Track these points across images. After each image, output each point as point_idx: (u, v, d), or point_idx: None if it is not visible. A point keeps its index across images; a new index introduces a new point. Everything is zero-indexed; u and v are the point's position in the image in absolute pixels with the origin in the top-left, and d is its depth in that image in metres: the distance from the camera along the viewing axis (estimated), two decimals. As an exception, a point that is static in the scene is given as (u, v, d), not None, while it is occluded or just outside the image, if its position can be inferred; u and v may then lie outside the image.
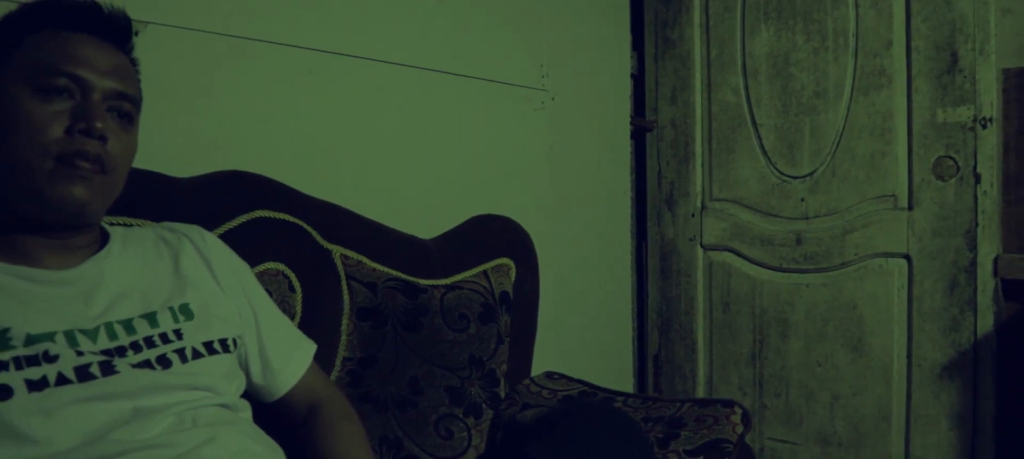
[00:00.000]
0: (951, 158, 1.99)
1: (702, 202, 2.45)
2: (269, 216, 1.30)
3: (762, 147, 2.30)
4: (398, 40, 1.68)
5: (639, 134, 2.56)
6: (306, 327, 1.25)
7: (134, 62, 1.01)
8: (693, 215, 2.46)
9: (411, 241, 1.52)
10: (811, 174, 2.22)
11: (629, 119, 2.40)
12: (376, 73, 1.64)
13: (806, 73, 2.21)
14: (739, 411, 1.37)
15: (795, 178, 2.25)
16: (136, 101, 0.98)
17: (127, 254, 1.01)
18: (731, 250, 2.38)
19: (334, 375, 1.33)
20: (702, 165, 2.45)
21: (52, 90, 0.89)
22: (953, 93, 1.98)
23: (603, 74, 2.28)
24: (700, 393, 2.47)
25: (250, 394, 1.10)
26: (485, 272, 1.56)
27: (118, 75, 0.95)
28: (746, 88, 2.33)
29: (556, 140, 2.07)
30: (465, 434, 1.41)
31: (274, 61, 1.48)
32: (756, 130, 2.31)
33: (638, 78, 2.56)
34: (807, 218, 2.24)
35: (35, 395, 0.82)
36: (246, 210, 1.29)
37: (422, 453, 1.36)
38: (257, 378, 1.10)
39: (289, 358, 1.14)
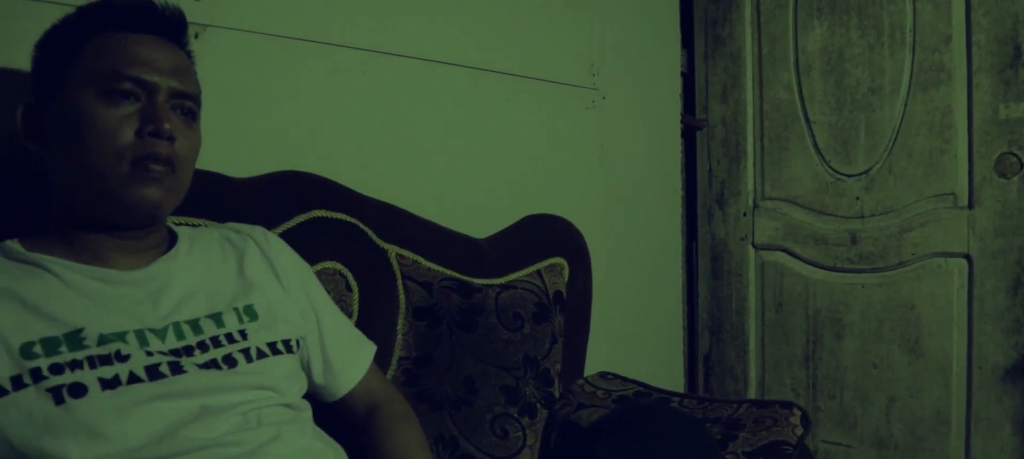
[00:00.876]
0: (1014, 155, 1.94)
1: (754, 201, 2.42)
2: (326, 216, 1.32)
3: (815, 145, 2.27)
4: (451, 40, 1.69)
5: (689, 133, 2.54)
6: (362, 326, 1.25)
7: (190, 56, 1.03)
8: (744, 214, 2.43)
9: (465, 240, 1.53)
10: (866, 172, 2.18)
11: (679, 118, 2.38)
12: (429, 73, 1.65)
13: (861, 69, 2.17)
14: (798, 413, 1.35)
15: (850, 176, 2.21)
16: (197, 98, 1.00)
17: (194, 255, 1.03)
18: (784, 249, 2.35)
19: (390, 374, 1.34)
20: (753, 164, 2.42)
21: (118, 94, 0.91)
22: (1016, 88, 1.92)
23: (653, 73, 2.27)
24: (751, 394, 2.44)
25: (311, 394, 1.11)
26: (539, 271, 1.56)
27: (179, 74, 0.96)
28: (799, 85, 2.29)
29: (607, 139, 2.06)
30: (520, 434, 1.41)
31: (329, 62, 1.49)
32: (809, 127, 2.28)
33: (688, 76, 2.54)
34: (862, 217, 2.19)
35: (108, 393, 0.84)
36: (304, 210, 1.31)
37: (478, 452, 1.36)
38: (319, 378, 1.12)
39: (350, 359, 1.15)
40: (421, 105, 1.64)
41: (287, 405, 0.99)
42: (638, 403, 1.45)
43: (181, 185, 0.98)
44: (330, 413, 1.13)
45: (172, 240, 1.04)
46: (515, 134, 1.82)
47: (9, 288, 0.88)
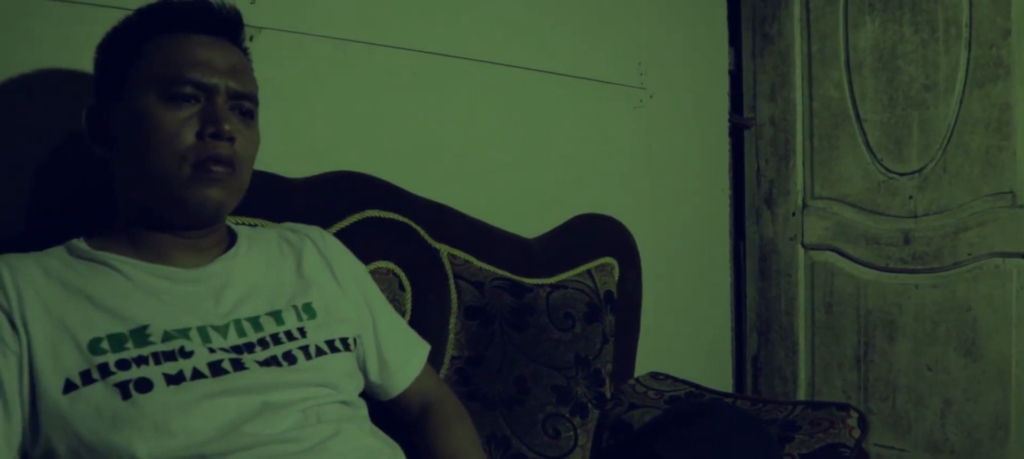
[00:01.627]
0: (1076, 152, 1.88)
1: (803, 200, 2.39)
2: (379, 216, 1.33)
3: (867, 143, 2.23)
4: (499, 40, 1.70)
5: (736, 132, 2.51)
6: (415, 325, 1.26)
7: (247, 55, 1.05)
8: (793, 214, 2.40)
9: (515, 240, 1.53)
10: (920, 171, 2.13)
11: (727, 117, 2.36)
12: (478, 73, 1.66)
13: (914, 66, 2.12)
14: (855, 415, 1.33)
15: (902, 175, 2.17)
16: (255, 97, 1.01)
17: (253, 254, 1.05)
18: (834, 249, 2.32)
19: (443, 373, 1.34)
20: (803, 163, 2.39)
21: (179, 97, 0.93)
22: (1078, 84, 1.87)
23: (700, 71, 2.25)
24: (800, 396, 2.41)
25: (365, 393, 1.12)
26: (589, 271, 1.56)
27: (237, 74, 0.98)
28: (849, 83, 2.26)
29: (654, 138, 2.05)
30: (571, 434, 1.41)
31: (380, 63, 1.50)
32: (860, 126, 2.24)
33: (735, 75, 2.51)
34: (916, 216, 2.15)
35: (172, 389, 0.85)
36: (357, 210, 1.32)
37: (530, 452, 1.36)
38: (374, 377, 1.13)
39: (405, 358, 1.16)
40: (471, 105, 1.65)
41: (345, 402, 1.00)
42: (697, 402, 1.44)
43: (241, 185, 1.00)
44: (383, 413, 1.14)
45: (232, 239, 1.06)
46: (564, 134, 1.82)
47: (77, 286, 0.90)
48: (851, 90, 2.25)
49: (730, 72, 2.43)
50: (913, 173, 2.15)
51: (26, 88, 1.14)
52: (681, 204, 2.17)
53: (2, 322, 0.84)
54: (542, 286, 1.49)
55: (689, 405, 1.37)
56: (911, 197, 2.15)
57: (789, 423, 1.33)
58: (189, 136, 0.93)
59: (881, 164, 2.21)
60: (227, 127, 0.93)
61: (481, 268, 1.44)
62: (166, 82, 0.93)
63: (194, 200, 0.94)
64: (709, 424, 0.95)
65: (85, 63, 1.12)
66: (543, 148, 1.78)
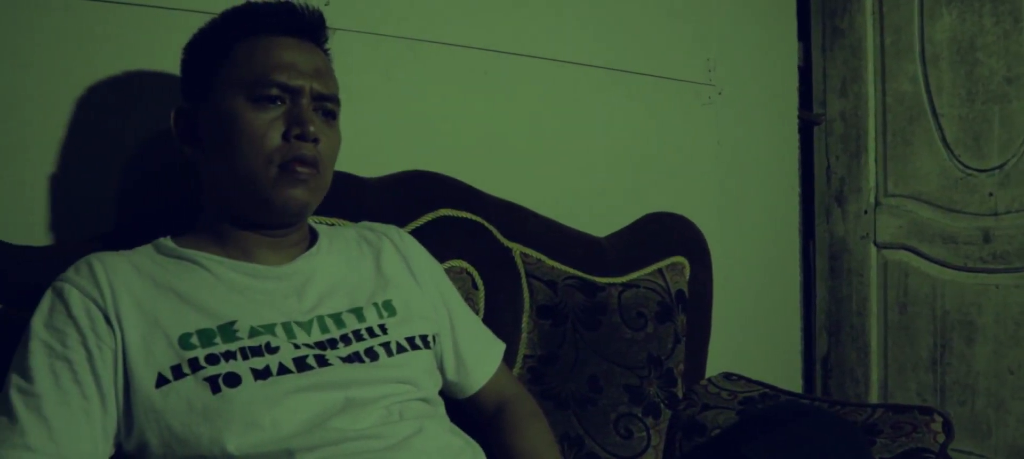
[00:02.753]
0: None
1: (875, 198, 2.33)
2: (453, 215, 1.34)
3: (943, 139, 2.16)
4: (569, 38, 1.69)
5: (805, 128, 2.46)
6: (488, 324, 1.26)
7: (329, 55, 1.07)
8: (865, 212, 2.34)
9: (586, 239, 1.52)
10: (1001, 167, 2.06)
11: (796, 113, 2.31)
12: (548, 71, 1.65)
13: (995, 58, 2.05)
14: (940, 419, 1.29)
15: (982, 171, 2.10)
16: (337, 98, 1.03)
17: (334, 252, 1.06)
18: (908, 248, 2.25)
19: (516, 372, 1.34)
20: (875, 159, 2.33)
21: (266, 99, 0.95)
22: None
23: (769, 67, 2.21)
24: (873, 398, 2.35)
25: (440, 392, 1.13)
26: (660, 270, 1.54)
27: (320, 76, 0.99)
28: (925, 77, 2.19)
29: (723, 136, 2.02)
30: (644, 434, 1.40)
31: (451, 62, 1.51)
32: (937, 121, 2.17)
33: (804, 70, 2.46)
34: (996, 214, 2.08)
35: (260, 383, 0.87)
36: (431, 209, 1.33)
37: (603, 451, 1.35)
38: (451, 375, 1.13)
39: (482, 356, 1.16)
40: (541, 103, 1.65)
41: (425, 400, 1.01)
42: (783, 404, 1.41)
43: (324, 186, 1.01)
44: (456, 412, 1.15)
45: (313, 237, 1.08)
46: (633, 131, 1.81)
47: (167, 282, 0.92)
48: (927, 84, 2.19)
49: (799, 67, 2.39)
50: (994, 169, 2.08)
51: (114, 90, 1.18)
52: (750, 202, 2.13)
53: (98, 318, 0.87)
54: (614, 285, 1.48)
55: (778, 406, 1.34)
56: (991, 194, 2.08)
57: (870, 426, 1.30)
58: (275, 137, 0.95)
59: (958, 160, 2.14)
60: (312, 128, 0.95)
61: (553, 267, 1.44)
62: (253, 84, 0.95)
63: (280, 200, 0.96)
64: (801, 428, 0.92)
65: (168, 65, 1.15)
66: (612, 146, 1.77)
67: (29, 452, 0.78)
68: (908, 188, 2.25)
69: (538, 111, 1.65)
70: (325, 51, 1.06)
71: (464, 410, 1.17)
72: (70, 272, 0.90)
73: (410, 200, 1.32)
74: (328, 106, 1.01)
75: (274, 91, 0.95)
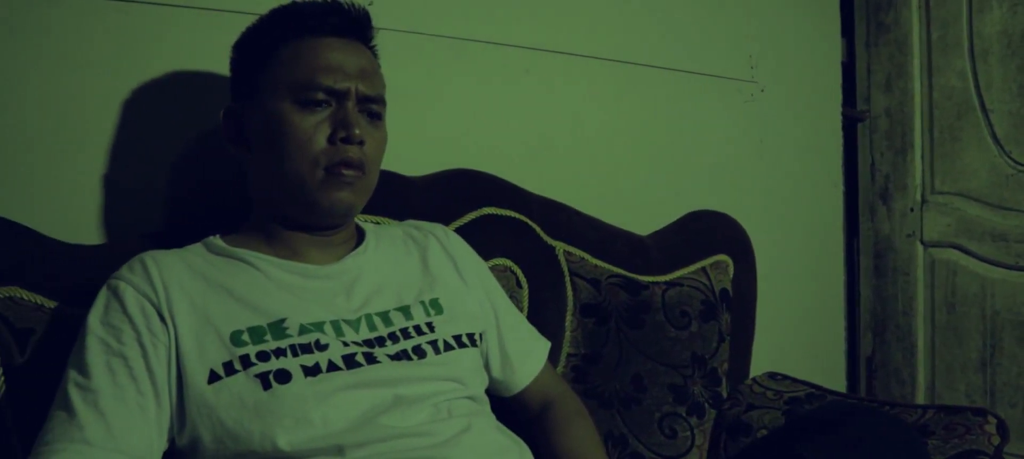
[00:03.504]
0: None
1: (922, 195, 2.29)
2: (496, 213, 1.34)
3: (993, 135, 2.11)
4: (610, 36, 1.68)
5: (849, 125, 2.42)
6: (532, 322, 1.26)
7: (375, 53, 1.07)
8: (912, 210, 2.30)
9: (629, 237, 1.52)
10: (1053, 163, 2.01)
11: (840, 109, 2.28)
12: (590, 69, 1.65)
13: (1047, 52, 2.00)
14: (994, 421, 1.26)
15: (1033, 168, 2.05)
16: (383, 99, 1.03)
17: (381, 251, 1.07)
18: (956, 246, 2.21)
19: (559, 371, 1.34)
20: (921, 156, 2.28)
21: (311, 102, 0.95)
22: None
23: (812, 63, 2.18)
24: (920, 399, 2.30)
25: (486, 390, 1.12)
26: (704, 269, 1.53)
27: (366, 77, 1.00)
28: (974, 72, 2.14)
29: (766, 133, 2.00)
30: (688, 433, 1.39)
31: (494, 60, 1.51)
32: (986, 116, 2.13)
33: (847, 66, 2.42)
34: (1048, 212, 2.03)
35: (310, 380, 0.88)
36: (474, 207, 1.33)
37: (647, 451, 1.34)
38: (497, 373, 1.13)
39: (527, 354, 1.16)
40: (582, 101, 1.65)
41: (472, 398, 1.01)
42: (838, 403, 1.39)
43: (370, 186, 1.02)
44: (500, 410, 1.14)
45: (360, 236, 1.08)
46: (674, 129, 1.80)
47: (218, 280, 0.93)
48: (975, 79, 2.14)
49: (842, 63, 2.35)
50: (1045, 166, 2.03)
51: (166, 91, 1.20)
52: (793, 200, 2.10)
53: (152, 315, 0.88)
54: (657, 283, 1.47)
55: (830, 408, 1.32)
56: (1043, 191, 2.03)
57: (921, 428, 1.27)
58: (321, 140, 0.95)
59: (1009, 157, 2.09)
60: (357, 131, 0.95)
61: (596, 265, 1.43)
62: (299, 87, 0.96)
63: (326, 202, 0.96)
64: (858, 429, 0.90)
65: (218, 66, 1.17)
66: (654, 144, 1.76)
67: (87, 446, 0.80)
68: (956, 185, 2.21)
69: (580, 109, 1.64)
70: (372, 49, 1.07)
71: (508, 408, 1.17)
72: (124, 270, 0.92)
73: (454, 199, 1.32)
74: (374, 107, 1.01)
75: (320, 95, 0.96)
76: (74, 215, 1.14)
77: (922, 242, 2.29)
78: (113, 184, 1.16)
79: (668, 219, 1.63)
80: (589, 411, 1.24)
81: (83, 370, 0.84)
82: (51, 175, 1.13)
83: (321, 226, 1.01)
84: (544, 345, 1.20)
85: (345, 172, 0.96)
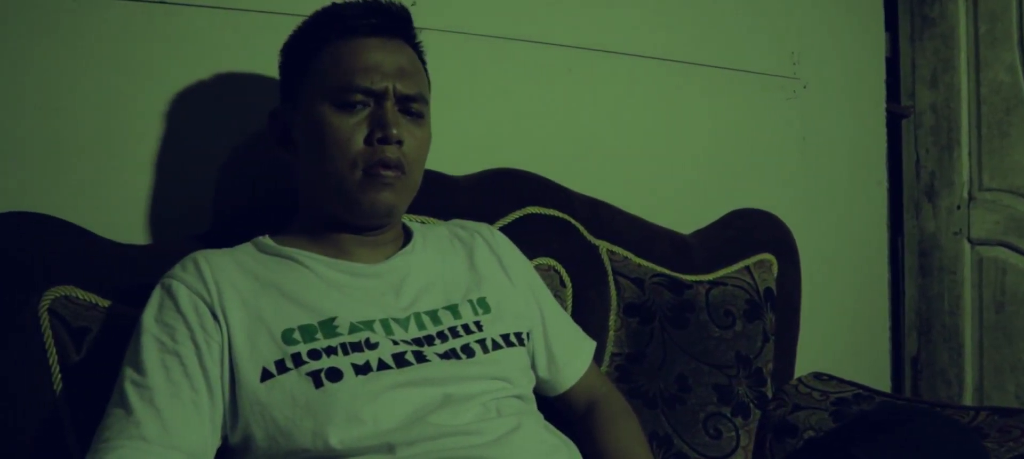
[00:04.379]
0: None
1: (969, 193, 2.24)
2: (540, 212, 1.34)
3: (1044, 130, 2.07)
4: (652, 34, 1.68)
5: (893, 121, 2.38)
6: (576, 322, 1.25)
7: (418, 50, 1.07)
8: (958, 207, 2.26)
9: (672, 236, 1.51)
10: (1107, 159, 1.96)
11: (883, 105, 2.24)
12: (630, 67, 1.64)
13: (1100, 45, 1.95)
14: (1051, 423, 1.23)
15: (1086, 164, 2.00)
16: (423, 97, 1.02)
17: (428, 250, 1.07)
18: (1006, 245, 2.16)
19: (603, 370, 1.33)
20: (969, 153, 2.23)
21: (349, 104, 0.96)
22: None
23: (855, 58, 2.14)
24: (967, 400, 2.26)
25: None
26: (748, 267, 1.52)
27: (404, 75, 0.99)
28: None
29: (808, 130, 1.97)
30: (733, 434, 1.37)
31: (535, 60, 1.51)
32: (1036, 112, 2.08)
33: (891, 61, 2.38)
34: (1101, 209, 1.98)
35: (361, 378, 0.88)
36: (518, 206, 1.33)
37: (692, 451, 1.33)
38: (543, 372, 1.13)
39: (573, 354, 1.16)
40: (624, 99, 1.64)
41: (520, 397, 1.01)
42: (890, 404, 1.37)
43: (412, 185, 1.02)
44: (545, 410, 1.14)
45: (407, 235, 1.09)
46: (716, 127, 1.78)
47: (269, 279, 0.94)
48: (1025, 73, 2.10)
49: (886, 58, 2.31)
50: (1099, 161, 1.98)
51: (213, 92, 1.21)
52: (836, 198, 2.07)
53: (205, 314, 0.89)
54: (701, 283, 1.46)
55: (884, 409, 1.30)
56: (1096, 188, 1.98)
57: (974, 430, 1.25)
58: (359, 141, 0.96)
59: (1060, 152, 2.04)
60: (394, 131, 0.95)
61: (639, 264, 1.42)
62: (337, 90, 0.96)
63: (366, 203, 0.97)
64: (915, 430, 0.89)
65: (264, 67, 1.18)
66: (696, 142, 1.74)
67: (144, 442, 0.81)
68: (1005, 182, 2.16)
69: (621, 107, 1.64)
70: (415, 47, 1.07)
71: (553, 408, 1.16)
72: (177, 269, 0.93)
73: (498, 198, 1.32)
74: (413, 106, 1.01)
75: (357, 96, 0.96)
76: (126, 216, 1.16)
77: (969, 240, 2.24)
78: (163, 185, 1.18)
79: (711, 218, 1.62)
80: (633, 411, 1.24)
81: (139, 368, 0.86)
82: (103, 177, 1.15)
83: (365, 226, 1.01)
84: (590, 345, 1.19)
85: (383, 172, 0.96)
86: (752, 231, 1.57)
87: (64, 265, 1.00)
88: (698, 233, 1.56)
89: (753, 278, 1.50)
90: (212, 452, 0.88)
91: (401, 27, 1.04)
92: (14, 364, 0.93)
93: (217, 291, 0.90)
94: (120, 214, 1.15)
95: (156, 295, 0.91)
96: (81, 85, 1.14)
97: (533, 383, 1.08)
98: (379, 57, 0.99)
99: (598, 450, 1.08)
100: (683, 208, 1.63)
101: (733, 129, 1.81)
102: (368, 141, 0.96)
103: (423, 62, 1.08)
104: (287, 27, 1.07)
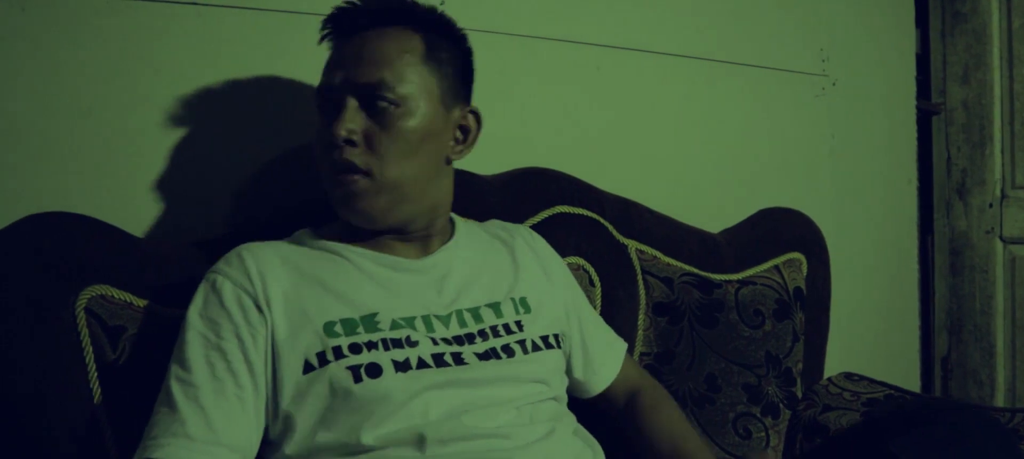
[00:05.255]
0: None
1: (1002, 190, 2.21)
2: (569, 212, 1.33)
3: (1079, 127, 2.03)
4: (679, 32, 1.66)
5: (923, 119, 2.35)
6: (605, 321, 1.25)
7: (423, 37, 0.97)
8: (990, 205, 2.23)
9: (701, 235, 1.50)
10: None
11: (914, 102, 2.21)
12: (659, 65, 1.63)
13: None
14: (1090, 425, 1.21)
15: (1122, 161, 1.97)
16: (382, 85, 0.92)
17: (471, 246, 1.06)
18: (1039, 243, 2.13)
19: (632, 369, 1.33)
20: (1001, 150, 2.21)
21: (323, 109, 0.96)
22: None
23: (885, 55, 2.12)
24: (999, 401, 2.23)
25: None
26: (777, 267, 1.51)
27: (359, 63, 0.93)
28: (1058, 62, 2.07)
29: (837, 128, 1.95)
30: (763, 434, 1.37)
31: (564, 58, 1.51)
32: (1071, 108, 2.05)
33: (921, 58, 2.35)
34: None
35: (400, 375, 0.88)
36: (547, 206, 1.33)
37: (722, 451, 1.33)
38: (579, 374, 1.13)
39: (608, 355, 1.16)
40: (652, 98, 1.63)
41: (555, 400, 1.01)
42: (927, 399, 1.35)
43: (393, 186, 0.94)
44: (582, 406, 1.14)
45: (453, 229, 1.08)
46: (745, 125, 1.76)
47: (312, 272, 0.94)
48: (1060, 70, 2.06)
49: (916, 55, 2.28)
50: None
51: (248, 92, 1.22)
52: (865, 196, 2.05)
53: (249, 307, 0.89)
54: (730, 282, 1.45)
55: (921, 403, 1.28)
56: None
57: (1010, 431, 1.23)
58: (323, 148, 0.95)
59: (1096, 150, 2.01)
60: (337, 128, 0.91)
61: (668, 263, 1.42)
62: (317, 96, 0.97)
63: (346, 213, 0.97)
64: (951, 426, 0.87)
65: (291, 68, 1.19)
66: (725, 140, 1.73)
67: (189, 440, 0.82)
68: (1038, 180, 2.13)
69: (650, 105, 1.63)
70: (422, 33, 0.98)
71: (591, 405, 1.16)
72: (221, 264, 0.93)
73: (527, 197, 1.32)
74: (379, 101, 0.92)
75: (324, 98, 0.96)
76: (158, 214, 1.16)
77: (1001, 238, 2.21)
78: (194, 183, 1.19)
79: (739, 216, 1.61)
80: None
81: (184, 364, 0.87)
82: (138, 176, 1.16)
83: (388, 230, 1.00)
84: (622, 345, 1.19)
85: (342, 178, 0.93)
86: (781, 230, 1.56)
87: (99, 264, 1.00)
88: (727, 232, 1.55)
89: (782, 277, 1.49)
90: (256, 446, 0.88)
91: (374, 17, 0.96)
92: (52, 362, 0.94)
93: (261, 284, 0.90)
94: (156, 213, 1.16)
95: (201, 290, 0.92)
96: (114, 85, 1.15)
97: (566, 385, 1.07)
98: (345, 51, 0.95)
99: (645, 435, 1.09)
100: (712, 206, 1.62)
101: (762, 127, 1.79)
102: (327, 148, 0.93)
103: (432, 51, 0.98)
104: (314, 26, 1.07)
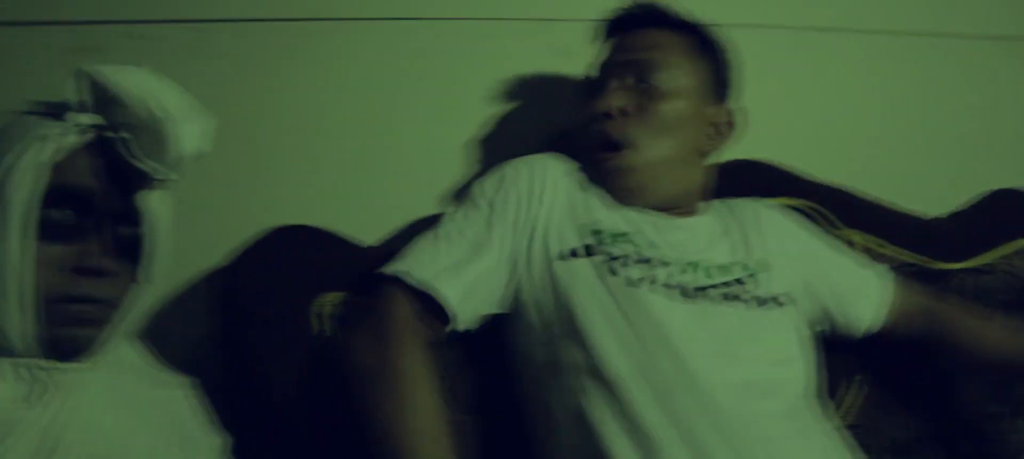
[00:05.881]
0: None
1: None
2: (792, 204, 1.31)
3: None
4: (884, 6, 1.59)
5: None
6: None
7: (691, 39, 1.17)
8: None
9: (919, 221, 1.42)
10: None
11: None
12: (863, 44, 1.56)
13: None
14: None
15: None
16: (657, 68, 1.13)
17: (711, 216, 1.16)
18: None
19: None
20: None
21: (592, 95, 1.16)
22: None
23: None
24: None
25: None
26: (1009, 255, 1.39)
27: (636, 50, 1.15)
28: None
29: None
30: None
31: (766, 43, 1.47)
32: None
33: None
34: None
35: (646, 288, 0.99)
36: (762, 198, 1.29)
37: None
38: (841, 318, 1.17)
39: (864, 289, 1.19)
40: (861, 79, 1.57)
41: (779, 362, 1.04)
42: None
43: (648, 161, 1.11)
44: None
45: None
46: (963, 102, 1.62)
47: (591, 189, 1.09)
48: None
49: None
50: None
51: (464, 104, 1.28)
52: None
53: (530, 193, 1.06)
54: (954, 272, 1.35)
55: None
56: None
57: None
58: (590, 120, 1.15)
59: None
60: (607, 103, 1.11)
61: (883, 253, 1.33)
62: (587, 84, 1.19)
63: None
64: None
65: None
66: (940, 120, 1.60)
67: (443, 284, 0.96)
68: None
69: (859, 88, 1.56)
70: (681, 34, 1.17)
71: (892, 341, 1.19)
72: (517, 159, 1.12)
73: (741, 190, 1.29)
74: (644, 82, 1.13)
75: (594, 86, 1.16)
76: (381, 222, 1.22)
77: None
78: (421, 193, 1.26)
79: (961, 200, 1.50)
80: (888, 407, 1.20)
81: (456, 223, 1.04)
82: (358, 186, 1.23)
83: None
84: (881, 271, 1.22)
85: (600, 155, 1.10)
86: (1013, 213, 1.44)
87: (331, 272, 1.08)
88: (950, 217, 1.46)
89: (1015, 266, 1.37)
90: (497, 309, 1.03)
91: (653, 21, 1.18)
92: (298, 366, 1.00)
93: (543, 178, 1.07)
94: (377, 222, 1.22)
95: (493, 173, 1.10)
96: (336, 104, 1.22)
97: (803, 343, 1.08)
98: (623, 43, 1.18)
99: (966, 338, 1.15)
100: (930, 191, 1.51)
101: (983, 103, 1.64)
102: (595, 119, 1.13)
103: (694, 49, 1.17)
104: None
